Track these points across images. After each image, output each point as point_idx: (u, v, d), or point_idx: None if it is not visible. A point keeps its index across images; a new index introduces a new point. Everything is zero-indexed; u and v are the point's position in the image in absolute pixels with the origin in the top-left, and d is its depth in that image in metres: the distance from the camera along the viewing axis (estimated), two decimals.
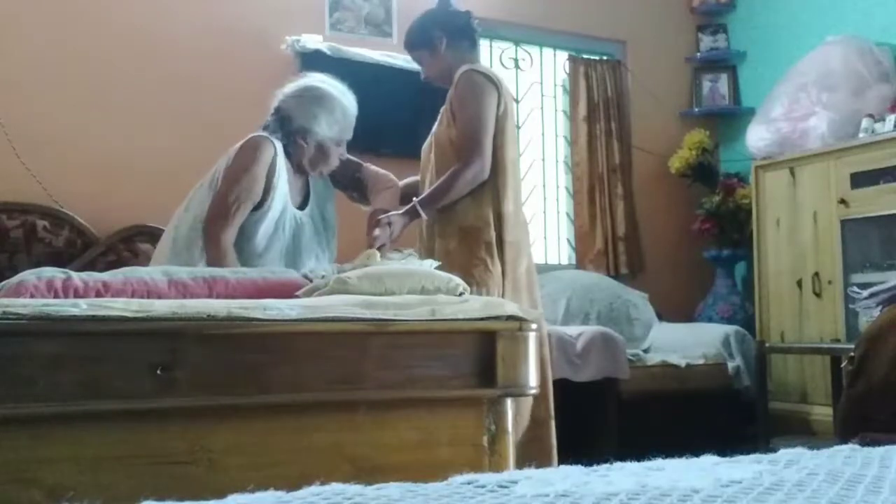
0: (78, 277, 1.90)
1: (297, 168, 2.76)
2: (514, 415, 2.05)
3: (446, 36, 2.87)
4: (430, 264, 2.25)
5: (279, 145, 2.70)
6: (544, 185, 5.18)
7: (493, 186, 2.74)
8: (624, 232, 5.09)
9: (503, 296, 2.65)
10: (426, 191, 2.79)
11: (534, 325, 1.95)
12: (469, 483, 0.89)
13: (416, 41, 2.93)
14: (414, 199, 2.75)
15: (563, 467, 1.03)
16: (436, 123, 2.92)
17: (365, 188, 2.94)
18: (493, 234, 2.72)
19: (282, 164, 2.68)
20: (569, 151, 5.21)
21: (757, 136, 4.74)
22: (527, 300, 2.76)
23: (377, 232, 2.61)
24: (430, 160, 2.88)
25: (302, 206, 2.77)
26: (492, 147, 2.72)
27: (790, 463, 1.03)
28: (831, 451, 1.11)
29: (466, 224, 2.73)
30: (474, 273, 2.65)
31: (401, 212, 2.72)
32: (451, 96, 2.82)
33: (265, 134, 2.71)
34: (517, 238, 2.78)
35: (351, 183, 2.97)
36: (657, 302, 4.91)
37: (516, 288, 2.74)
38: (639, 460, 1.02)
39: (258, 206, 2.63)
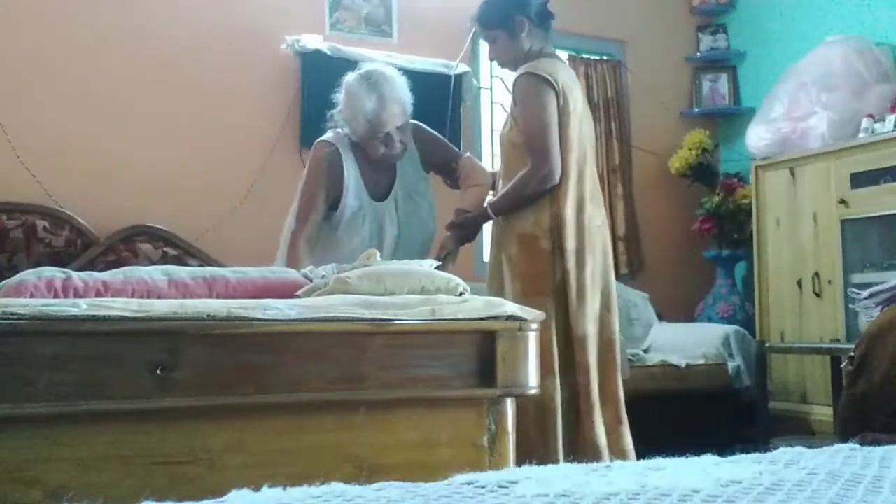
0: (78, 277, 1.90)
1: (371, 159, 2.79)
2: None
3: (528, 20, 2.75)
4: (429, 264, 2.25)
5: (344, 143, 2.78)
6: None
7: (552, 192, 2.67)
8: (624, 232, 5.10)
9: (566, 303, 2.64)
10: (499, 193, 2.78)
11: (534, 325, 1.95)
12: (469, 483, 0.89)
13: (495, 20, 2.78)
14: (486, 202, 2.77)
15: (564, 467, 1.03)
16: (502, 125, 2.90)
17: (458, 179, 2.95)
18: (551, 241, 2.67)
19: (348, 162, 2.77)
20: None
21: (757, 136, 4.74)
22: (595, 305, 2.70)
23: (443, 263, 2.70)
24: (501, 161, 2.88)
25: (383, 198, 2.81)
26: (558, 151, 2.65)
27: (790, 463, 1.03)
28: (831, 451, 1.11)
29: (524, 231, 2.70)
30: (534, 280, 2.64)
31: (473, 214, 2.79)
32: (512, 100, 2.78)
33: (325, 137, 2.83)
34: (579, 245, 2.69)
35: (446, 171, 2.98)
36: (657, 302, 4.91)
37: (581, 295, 2.67)
38: (638, 460, 1.02)
39: (334, 206, 2.79)
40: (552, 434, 2.59)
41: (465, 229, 2.84)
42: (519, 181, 2.68)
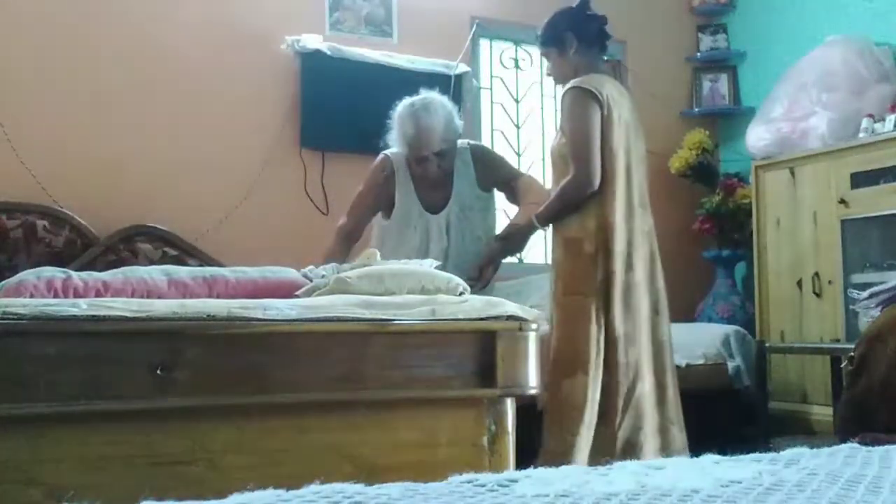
0: (78, 277, 1.90)
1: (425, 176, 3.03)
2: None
3: (577, 40, 2.91)
4: (429, 264, 2.25)
5: (401, 158, 3.06)
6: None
7: (599, 197, 2.76)
8: None
9: (608, 306, 2.70)
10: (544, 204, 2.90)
11: (534, 325, 1.95)
12: (469, 483, 0.89)
13: (548, 38, 2.96)
14: (533, 214, 2.90)
15: (564, 467, 1.03)
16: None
17: (517, 196, 3.15)
18: (594, 244, 2.74)
19: (401, 176, 3.04)
20: None
21: (757, 136, 4.73)
22: (644, 308, 2.78)
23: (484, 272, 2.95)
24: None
25: (438, 212, 3.03)
26: (599, 159, 2.75)
27: (790, 463, 1.03)
28: (831, 451, 1.11)
29: (569, 235, 2.80)
30: (575, 280, 2.74)
31: (520, 226, 2.96)
32: (561, 113, 2.93)
33: (387, 151, 3.09)
34: (626, 248, 2.77)
35: (506, 190, 3.19)
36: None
37: (628, 297, 2.74)
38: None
39: (388, 213, 3.07)
40: (576, 431, 2.63)
41: (511, 241, 3.01)
42: (561, 189, 2.80)
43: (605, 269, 2.72)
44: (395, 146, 3.07)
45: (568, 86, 2.83)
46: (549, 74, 3.08)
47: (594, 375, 2.68)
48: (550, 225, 2.88)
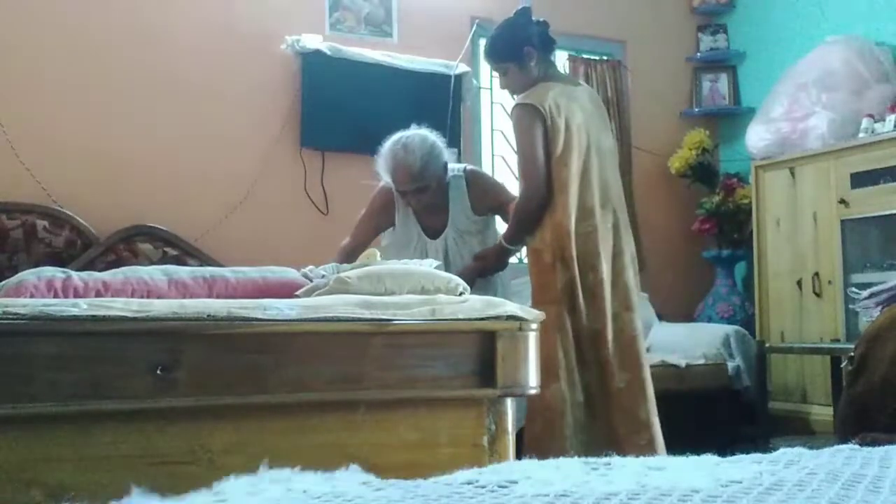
0: (78, 277, 1.90)
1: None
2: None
3: (537, 51, 2.94)
4: (429, 264, 2.25)
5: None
6: None
7: (551, 207, 2.83)
8: None
9: (574, 310, 2.79)
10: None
11: (534, 325, 1.94)
12: (469, 483, 0.89)
13: (505, 54, 2.96)
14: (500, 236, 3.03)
15: (564, 467, 1.03)
16: None
17: (510, 218, 3.22)
18: (551, 253, 2.81)
19: (399, 202, 3.13)
20: None
21: (757, 136, 4.74)
22: (610, 306, 2.83)
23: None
24: None
25: (437, 236, 3.11)
26: (544, 172, 2.82)
27: (790, 463, 1.03)
28: (831, 451, 1.11)
29: (533, 247, 2.90)
30: (541, 290, 2.83)
31: (491, 248, 3.07)
32: None
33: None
34: (585, 250, 2.82)
35: (501, 212, 3.25)
36: (657, 302, 4.91)
37: (592, 297, 2.81)
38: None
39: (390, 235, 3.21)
40: (560, 436, 2.70)
41: (486, 261, 3.07)
42: (514, 209, 2.93)
43: (565, 276, 2.79)
44: (385, 178, 3.19)
45: (514, 103, 2.91)
46: (504, 88, 3.10)
47: (569, 379, 2.75)
48: (520, 243, 3.00)
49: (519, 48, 2.91)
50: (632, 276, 2.93)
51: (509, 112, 2.97)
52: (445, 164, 3.10)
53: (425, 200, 3.07)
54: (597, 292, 2.81)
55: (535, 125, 2.81)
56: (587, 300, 2.80)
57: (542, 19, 3.03)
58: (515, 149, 2.94)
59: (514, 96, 3.02)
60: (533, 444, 2.65)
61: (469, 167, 3.31)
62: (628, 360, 2.83)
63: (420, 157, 3.00)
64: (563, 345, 2.76)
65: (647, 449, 2.72)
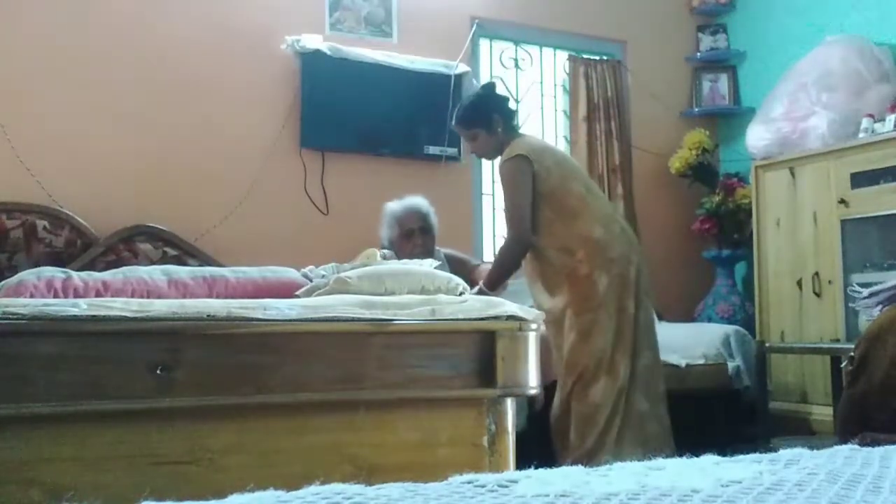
0: (78, 277, 1.90)
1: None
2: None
3: (502, 118, 3.29)
4: (429, 264, 2.25)
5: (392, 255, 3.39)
6: None
7: (574, 230, 3.11)
8: None
9: (622, 305, 3.09)
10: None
11: (534, 325, 1.95)
12: (469, 483, 0.89)
13: (475, 120, 3.30)
14: (480, 281, 3.22)
15: (563, 467, 1.03)
16: None
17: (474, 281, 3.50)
18: (588, 265, 3.07)
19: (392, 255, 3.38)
20: (569, 151, 5.20)
21: (757, 136, 4.73)
22: (615, 309, 3.08)
23: None
24: None
25: None
26: (529, 214, 3.10)
27: (790, 463, 1.03)
28: (831, 451, 1.11)
29: (564, 273, 3.11)
30: (584, 301, 3.07)
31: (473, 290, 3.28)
32: None
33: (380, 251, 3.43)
34: (593, 268, 3.08)
35: (465, 279, 3.47)
36: (657, 302, 4.91)
37: (636, 287, 3.14)
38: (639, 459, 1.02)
39: None
40: (604, 429, 3.00)
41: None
42: (497, 255, 3.26)
43: (608, 278, 3.08)
44: (384, 236, 3.57)
45: (503, 158, 3.18)
46: (473, 152, 3.49)
47: (611, 374, 3.05)
48: (499, 287, 3.20)
49: (488, 115, 3.25)
50: (644, 265, 3.27)
51: (499, 168, 3.25)
52: (435, 224, 3.61)
53: (429, 246, 3.49)
54: (637, 282, 3.14)
55: (526, 176, 3.11)
56: (629, 292, 3.10)
57: (504, 94, 3.46)
58: (504, 200, 3.20)
59: (483, 160, 3.48)
60: (585, 433, 2.97)
61: (444, 250, 3.71)
62: (649, 340, 3.16)
63: (425, 205, 3.56)
64: (606, 344, 3.02)
65: (665, 420, 3.10)
